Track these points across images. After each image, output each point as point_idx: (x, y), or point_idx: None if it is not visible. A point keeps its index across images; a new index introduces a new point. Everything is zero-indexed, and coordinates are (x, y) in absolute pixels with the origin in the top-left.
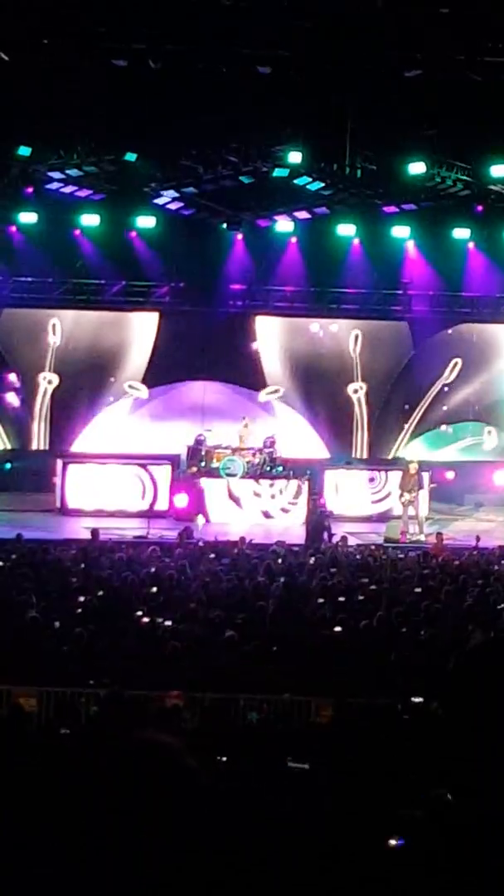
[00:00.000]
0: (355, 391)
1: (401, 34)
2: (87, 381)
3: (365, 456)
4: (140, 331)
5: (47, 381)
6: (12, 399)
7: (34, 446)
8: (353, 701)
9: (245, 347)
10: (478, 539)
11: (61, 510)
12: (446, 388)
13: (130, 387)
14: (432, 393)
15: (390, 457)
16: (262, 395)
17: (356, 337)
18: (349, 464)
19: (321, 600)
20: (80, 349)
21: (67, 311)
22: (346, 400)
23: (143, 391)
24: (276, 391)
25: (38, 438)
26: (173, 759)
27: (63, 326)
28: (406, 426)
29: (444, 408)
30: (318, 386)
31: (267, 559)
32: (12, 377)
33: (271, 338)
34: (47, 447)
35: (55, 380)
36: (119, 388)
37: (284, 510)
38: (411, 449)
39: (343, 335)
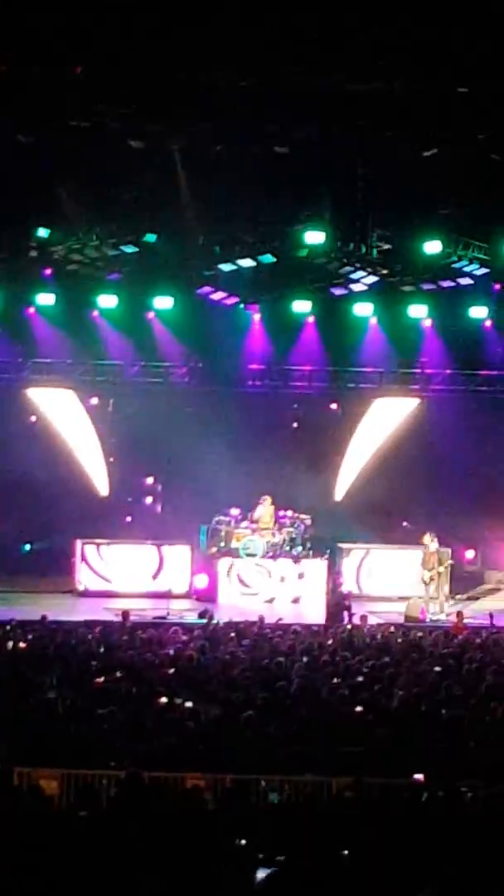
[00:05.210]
0: None
1: (417, 113)
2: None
3: None
4: None
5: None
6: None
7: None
8: (372, 781)
9: None
10: (491, 617)
11: (81, 591)
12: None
13: None
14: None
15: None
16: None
17: None
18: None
19: (341, 680)
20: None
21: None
22: None
23: None
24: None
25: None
26: None
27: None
28: None
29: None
30: None
31: (287, 639)
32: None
33: None
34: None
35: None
36: None
37: (304, 590)
38: None
39: None
